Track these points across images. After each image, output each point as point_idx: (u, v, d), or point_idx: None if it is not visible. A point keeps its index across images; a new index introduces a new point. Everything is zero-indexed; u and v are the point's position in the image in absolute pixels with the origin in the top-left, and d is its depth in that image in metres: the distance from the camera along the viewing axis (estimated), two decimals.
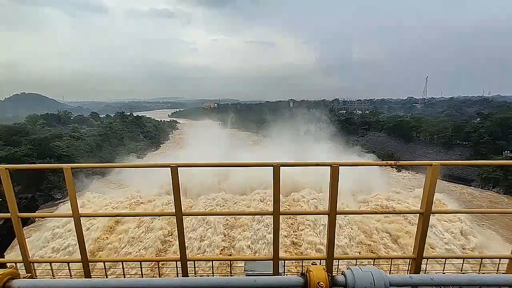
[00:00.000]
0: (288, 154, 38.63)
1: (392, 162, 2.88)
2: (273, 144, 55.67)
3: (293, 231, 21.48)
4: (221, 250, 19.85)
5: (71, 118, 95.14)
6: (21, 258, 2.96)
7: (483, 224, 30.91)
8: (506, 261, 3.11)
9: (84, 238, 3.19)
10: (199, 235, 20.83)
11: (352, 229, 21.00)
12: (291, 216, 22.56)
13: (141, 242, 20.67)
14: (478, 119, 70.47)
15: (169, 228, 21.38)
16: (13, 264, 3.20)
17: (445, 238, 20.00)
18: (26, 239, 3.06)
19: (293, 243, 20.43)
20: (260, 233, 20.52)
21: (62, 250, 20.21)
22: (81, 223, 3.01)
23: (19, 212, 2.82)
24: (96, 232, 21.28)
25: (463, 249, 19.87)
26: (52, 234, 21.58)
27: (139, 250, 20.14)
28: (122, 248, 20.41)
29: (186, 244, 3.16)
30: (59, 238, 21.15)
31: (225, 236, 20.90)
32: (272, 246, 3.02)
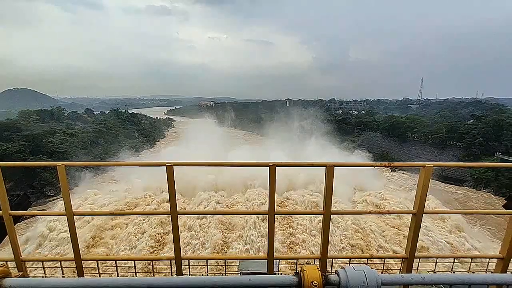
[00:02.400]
0: (284, 153, 38.80)
1: (386, 163, 2.90)
2: (269, 143, 55.85)
3: (288, 230, 21.61)
4: (216, 249, 19.86)
5: (65, 115, 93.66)
6: (13, 256, 2.91)
7: (474, 223, 31.52)
8: (495, 260, 3.17)
9: (77, 236, 3.15)
10: (194, 234, 20.80)
11: (346, 228, 21.23)
12: (286, 215, 22.65)
13: (135, 240, 20.61)
14: (472, 120, 71.50)
15: (163, 226, 21.29)
16: (4, 262, 3.15)
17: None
18: (17, 237, 3.02)
19: (288, 242, 20.53)
20: (255, 232, 20.57)
21: (54, 248, 19.97)
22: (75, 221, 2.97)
23: (11, 210, 2.78)
24: (90, 231, 21.08)
25: (452, 247, 20.26)
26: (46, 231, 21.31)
27: (133, 248, 20.09)
28: (116, 247, 20.27)
29: (180, 243, 3.14)
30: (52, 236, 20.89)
31: (220, 235, 20.89)
32: (267, 246, 3.03)
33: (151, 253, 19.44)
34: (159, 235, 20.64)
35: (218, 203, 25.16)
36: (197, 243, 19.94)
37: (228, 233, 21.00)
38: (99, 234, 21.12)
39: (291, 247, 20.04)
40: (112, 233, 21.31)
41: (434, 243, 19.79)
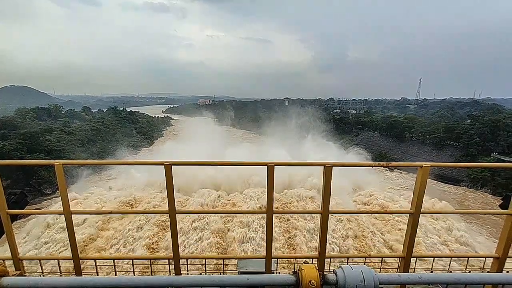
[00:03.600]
0: (283, 152, 38.90)
1: (384, 163, 2.91)
2: (268, 141, 55.98)
3: (286, 229, 21.73)
4: (215, 248, 20.04)
5: (62, 112, 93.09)
6: (10, 255, 2.90)
7: (471, 222, 31.77)
8: (491, 260, 3.20)
9: (75, 235, 3.14)
10: (192, 233, 20.99)
11: (343, 228, 21.45)
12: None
13: (143, 223, 21.26)
14: (469, 120, 71.87)
15: (162, 225, 21.35)
16: (1, 261, 3.13)
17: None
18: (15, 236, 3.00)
19: (286, 242, 20.65)
20: (254, 231, 20.68)
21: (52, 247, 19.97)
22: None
23: (8, 209, 2.76)
24: (87, 229, 21.17)
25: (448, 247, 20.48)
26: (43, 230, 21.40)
27: (139, 230, 21.00)
28: (113, 245, 20.31)
29: (178, 242, 3.14)
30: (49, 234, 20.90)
31: (218, 234, 20.99)
32: (265, 244, 3.04)
33: (153, 235, 20.23)
34: (163, 222, 21.40)
35: (219, 197, 26.12)
36: (198, 225, 21.14)
37: (228, 218, 22.09)
38: (106, 221, 22.18)
39: (288, 236, 20.86)
40: (120, 221, 22.28)
41: (419, 226, 20.43)
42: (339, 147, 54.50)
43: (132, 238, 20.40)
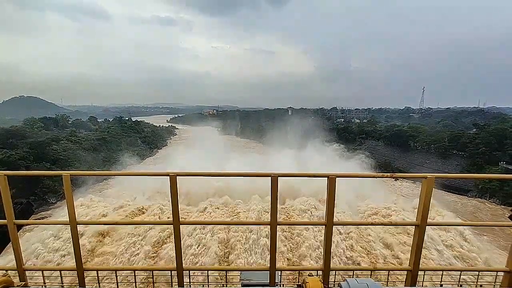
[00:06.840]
0: (286, 161, 38.78)
1: (388, 174, 2.90)
2: (271, 151, 56.01)
3: (290, 240, 21.36)
4: (217, 259, 19.69)
5: (69, 122, 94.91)
6: (15, 265, 2.91)
7: (482, 234, 30.83)
8: (503, 273, 3.11)
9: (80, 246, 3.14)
10: (195, 243, 20.73)
11: (348, 239, 20.99)
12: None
13: (135, 249, 20.62)
14: (474, 129, 71.17)
15: (164, 235, 21.14)
16: (6, 272, 3.14)
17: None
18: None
19: (290, 252, 20.25)
20: (257, 242, 20.35)
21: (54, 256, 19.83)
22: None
23: (15, 219, 2.80)
24: (88, 238, 21.04)
25: (461, 259, 19.80)
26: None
27: (133, 258, 20.13)
28: (116, 256, 20.11)
29: (182, 253, 3.12)
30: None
31: (221, 244, 20.71)
32: (269, 256, 3.00)
33: (155, 242, 20.03)
34: (166, 232, 21.06)
35: (226, 205, 25.85)
36: (200, 235, 20.97)
37: (230, 228, 21.86)
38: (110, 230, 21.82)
39: (293, 257, 20.07)
40: (124, 231, 22.05)
41: (425, 238, 19.93)
42: (341, 153, 54.34)
43: (135, 248, 20.18)
